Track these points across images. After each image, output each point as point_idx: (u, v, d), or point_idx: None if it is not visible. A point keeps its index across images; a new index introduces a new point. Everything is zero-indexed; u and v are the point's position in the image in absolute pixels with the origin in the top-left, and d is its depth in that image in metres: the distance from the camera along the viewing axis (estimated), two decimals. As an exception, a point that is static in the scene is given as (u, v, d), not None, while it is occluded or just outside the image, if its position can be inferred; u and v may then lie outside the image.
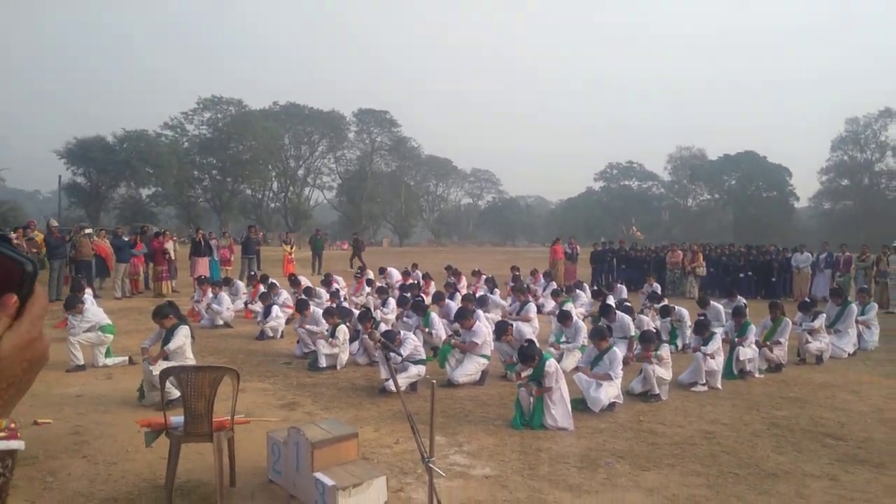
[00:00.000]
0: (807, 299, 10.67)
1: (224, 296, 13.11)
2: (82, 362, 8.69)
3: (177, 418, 4.80)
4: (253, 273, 17.53)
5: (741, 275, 20.24)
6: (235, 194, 72.35)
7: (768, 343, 9.48)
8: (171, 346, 6.99)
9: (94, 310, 9.21)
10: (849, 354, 10.63)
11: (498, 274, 20.57)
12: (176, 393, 6.13)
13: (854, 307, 11.16)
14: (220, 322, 12.69)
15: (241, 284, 15.40)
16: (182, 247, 23.02)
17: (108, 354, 9.08)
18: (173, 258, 18.23)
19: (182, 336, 7.09)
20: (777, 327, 9.69)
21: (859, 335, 11.18)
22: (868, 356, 10.81)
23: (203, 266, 18.60)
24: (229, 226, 62.25)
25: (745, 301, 12.43)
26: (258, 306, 12.98)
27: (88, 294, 11.07)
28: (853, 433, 6.45)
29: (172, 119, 69.23)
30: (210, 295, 13.08)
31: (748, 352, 9.00)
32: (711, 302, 11.91)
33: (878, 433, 6.47)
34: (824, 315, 10.53)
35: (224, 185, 70.68)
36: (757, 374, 9.04)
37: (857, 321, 11.11)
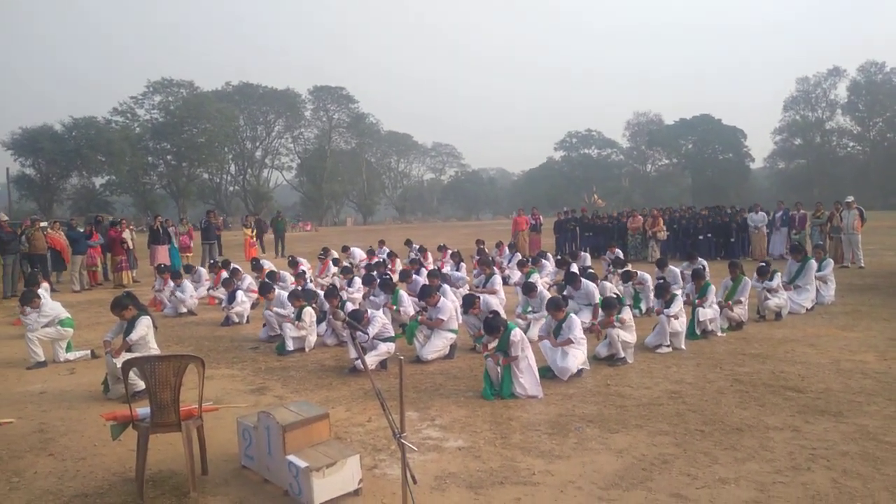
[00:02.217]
0: (763, 263, 10.91)
1: (187, 283, 12.93)
2: (43, 358, 8.49)
3: (143, 410, 4.73)
4: (213, 260, 17.29)
5: (701, 237, 20.58)
6: (192, 179, 70.95)
7: (729, 302, 9.69)
8: (133, 336, 6.86)
9: (51, 304, 8.98)
10: (807, 310, 10.92)
11: (464, 248, 20.65)
12: (141, 384, 6.03)
13: (813, 263, 11.42)
14: (184, 310, 12.52)
15: (204, 271, 15.16)
16: (140, 235, 22.57)
17: (69, 349, 8.88)
18: (131, 247, 17.88)
19: (143, 326, 6.95)
20: (737, 286, 9.90)
21: (817, 290, 11.47)
22: (825, 310, 11.12)
23: (163, 254, 18.32)
24: (188, 212, 61.23)
25: (704, 263, 12.66)
26: (221, 292, 12.81)
27: (45, 288, 10.80)
28: (812, 385, 6.66)
29: (122, 104, 67.37)
30: (171, 283, 12.88)
31: (709, 312, 9.20)
32: (669, 265, 12.12)
33: (835, 384, 6.68)
34: (779, 273, 10.79)
35: (180, 171, 69.20)
36: (719, 333, 9.25)
37: (814, 277, 11.39)
